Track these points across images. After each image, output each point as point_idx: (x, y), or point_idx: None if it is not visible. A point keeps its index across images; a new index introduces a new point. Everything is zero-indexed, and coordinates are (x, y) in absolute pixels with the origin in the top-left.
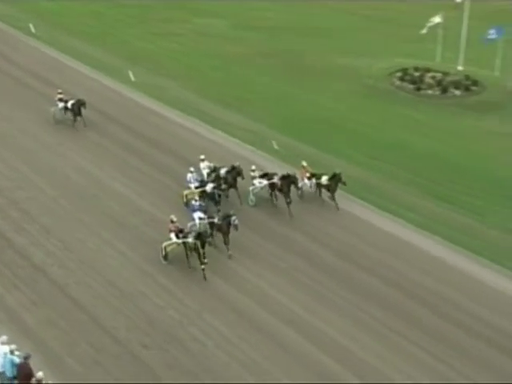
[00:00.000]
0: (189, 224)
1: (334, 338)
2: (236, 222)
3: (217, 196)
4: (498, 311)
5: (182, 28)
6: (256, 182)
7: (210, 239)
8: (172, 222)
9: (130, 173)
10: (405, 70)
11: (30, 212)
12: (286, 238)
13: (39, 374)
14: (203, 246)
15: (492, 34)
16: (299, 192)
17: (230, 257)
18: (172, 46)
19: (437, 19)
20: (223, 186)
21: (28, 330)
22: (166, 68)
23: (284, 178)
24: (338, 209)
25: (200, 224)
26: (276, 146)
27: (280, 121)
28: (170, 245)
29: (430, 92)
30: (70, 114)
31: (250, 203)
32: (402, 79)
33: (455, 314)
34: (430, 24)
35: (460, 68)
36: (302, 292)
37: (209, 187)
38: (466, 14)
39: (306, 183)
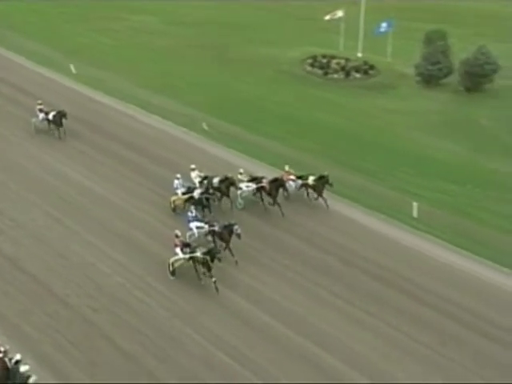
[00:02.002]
0: (187, 234)
1: (327, 331)
2: (239, 230)
3: (205, 201)
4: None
5: (118, 25)
6: (243, 185)
7: (220, 255)
8: (177, 236)
9: (71, 154)
10: (314, 58)
11: None
12: (276, 239)
13: None
14: (213, 261)
15: (384, 26)
16: (285, 194)
17: (236, 263)
18: (110, 41)
19: (339, 13)
20: (210, 191)
21: None
22: (105, 61)
23: (272, 181)
24: (322, 204)
25: (199, 233)
26: (205, 127)
27: (209, 105)
28: (177, 260)
29: (335, 76)
30: (49, 125)
31: (239, 206)
32: (312, 65)
33: (460, 313)
34: (334, 16)
35: (359, 55)
36: (287, 285)
37: (196, 193)
38: (362, 10)
39: (291, 185)
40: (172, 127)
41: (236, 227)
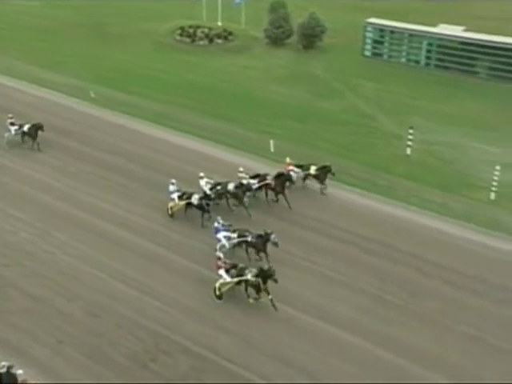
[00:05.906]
0: (217, 245)
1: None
2: (276, 239)
3: (205, 205)
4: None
5: (2, 9)
6: (245, 182)
7: (275, 276)
8: (219, 258)
9: None
10: (182, 28)
11: None
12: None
13: None
14: (265, 282)
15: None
16: (289, 186)
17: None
18: None
19: None
20: (212, 196)
21: None
22: None
23: (277, 177)
24: (324, 194)
25: (230, 244)
26: (92, 95)
27: (94, 76)
28: (224, 284)
29: (201, 42)
30: (23, 137)
31: (246, 205)
32: (181, 35)
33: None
34: None
35: (220, 24)
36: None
37: (194, 199)
38: None
39: (293, 176)
40: (63, 98)
41: (273, 236)
